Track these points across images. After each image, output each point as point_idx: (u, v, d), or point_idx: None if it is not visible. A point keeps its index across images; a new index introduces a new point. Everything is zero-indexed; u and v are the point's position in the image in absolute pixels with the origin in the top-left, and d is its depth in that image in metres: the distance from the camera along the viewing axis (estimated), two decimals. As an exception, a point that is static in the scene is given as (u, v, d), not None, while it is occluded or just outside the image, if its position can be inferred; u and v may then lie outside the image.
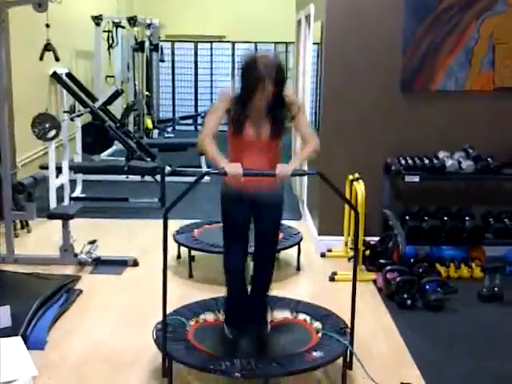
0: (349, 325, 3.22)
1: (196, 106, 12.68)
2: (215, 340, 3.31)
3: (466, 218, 4.86)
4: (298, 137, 3.68)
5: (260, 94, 3.07)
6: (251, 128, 3.15)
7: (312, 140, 3.25)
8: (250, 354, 3.06)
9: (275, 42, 11.98)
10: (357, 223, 3.22)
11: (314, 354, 3.05)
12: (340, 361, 3.13)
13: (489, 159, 4.83)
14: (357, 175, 4.84)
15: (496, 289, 4.30)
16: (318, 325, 3.42)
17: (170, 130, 11.49)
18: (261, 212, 3.32)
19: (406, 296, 4.16)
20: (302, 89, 6.53)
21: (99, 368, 3.33)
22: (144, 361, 3.38)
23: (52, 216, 4.95)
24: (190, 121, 12.07)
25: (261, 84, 3.04)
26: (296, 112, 3.20)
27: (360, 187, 4.68)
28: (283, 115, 3.19)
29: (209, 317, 3.56)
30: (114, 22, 10.01)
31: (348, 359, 3.17)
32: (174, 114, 12.46)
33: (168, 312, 3.17)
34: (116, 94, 7.81)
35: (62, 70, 7.60)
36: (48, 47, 6.26)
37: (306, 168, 6.02)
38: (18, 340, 3.28)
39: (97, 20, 9.41)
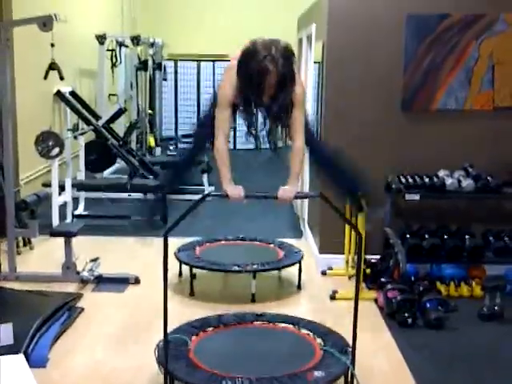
0: (350, 344, 3.23)
1: (198, 124, 12.72)
2: (217, 358, 3.31)
3: (466, 237, 4.87)
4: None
5: (262, 90, 2.93)
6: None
7: (297, 140, 3.16)
8: (251, 373, 3.06)
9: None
10: (360, 246, 3.24)
11: (316, 373, 3.06)
12: (341, 379, 3.14)
13: (489, 178, 4.84)
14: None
15: (496, 308, 4.31)
16: (320, 341, 3.43)
17: (172, 148, 11.52)
18: None
19: (406, 315, 4.17)
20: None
21: (100, 386, 3.34)
22: (145, 379, 3.38)
23: (54, 233, 4.97)
24: (192, 139, 12.07)
25: (262, 79, 2.89)
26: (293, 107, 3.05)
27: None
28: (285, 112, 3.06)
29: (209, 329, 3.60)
30: (117, 41, 10.08)
31: (349, 378, 3.18)
32: (176, 132, 12.49)
33: (169, 330, 3.19)
34: (119, 113, 7.85)
35: (65, 89, 7.65)
36: (52, 66, 6.31)
37: (307, 186, 6.07)
38: (20, 358, 3.29)
39: (101, 39, 9.47)
